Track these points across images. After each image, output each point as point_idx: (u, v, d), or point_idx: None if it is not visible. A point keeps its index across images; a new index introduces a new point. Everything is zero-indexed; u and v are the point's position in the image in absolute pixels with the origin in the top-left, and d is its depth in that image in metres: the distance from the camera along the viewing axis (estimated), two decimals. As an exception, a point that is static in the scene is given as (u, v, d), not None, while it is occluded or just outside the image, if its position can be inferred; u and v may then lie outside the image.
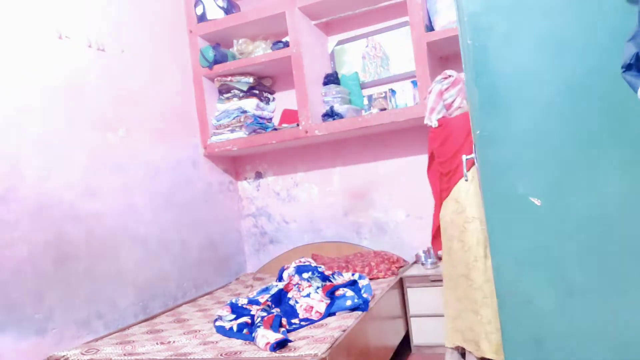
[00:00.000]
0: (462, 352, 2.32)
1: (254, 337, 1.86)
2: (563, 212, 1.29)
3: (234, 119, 3.15)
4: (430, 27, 2.72)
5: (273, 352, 1.72)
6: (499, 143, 1.35)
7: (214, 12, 3.18)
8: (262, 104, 3.31)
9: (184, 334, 2.13)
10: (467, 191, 2.16)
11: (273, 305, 2.18)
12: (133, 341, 2.08)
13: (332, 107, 2.91)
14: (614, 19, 1.21)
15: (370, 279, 2.70)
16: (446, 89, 2.24)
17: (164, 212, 2.81)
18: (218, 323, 2.16)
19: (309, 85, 2.94)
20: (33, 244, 2.05)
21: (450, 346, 2.27)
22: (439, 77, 2.29)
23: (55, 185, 2.18)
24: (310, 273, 2.43)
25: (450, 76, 2.26)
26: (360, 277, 2.46)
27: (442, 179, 2.29)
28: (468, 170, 2.12)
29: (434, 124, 2.26)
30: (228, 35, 3.23)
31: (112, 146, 2.51)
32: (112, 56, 2.59)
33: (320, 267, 2.53)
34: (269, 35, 3.26)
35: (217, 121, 3.21)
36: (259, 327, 1.89)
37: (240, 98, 3.24)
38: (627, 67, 1.06)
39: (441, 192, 2.31)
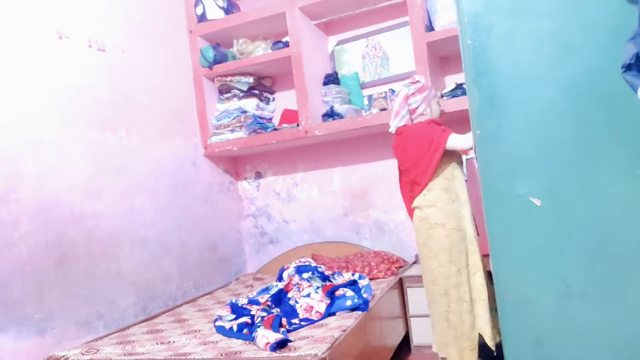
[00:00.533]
0: None
1: (254, 337, 1.86)
2: (563, 212, 1.29)
3: (234, 119, 3.15)
4: (430, 27, 2.72)
5: (273, 352, 1.72)
6: (499, 143, 1.35)
7: (214, 12, 3.18)
8: (262, 104, 3.31)
9: (184, 334, 2.13)
10: (427, 197, 2.16)
11: (273, 305, 2.19)
12: (133, 341, 2.08)
13: (332, 107, 2.91)
14: (614, 19, 1.21)
15: (370, 279, 2.70)
16: (412, 94, 2.22)
17: (164, 212, 2.81)
18: (218, 323, 2.16)
19: (309, 85, 2.94)
20: (33, 245, 2.05)
21: (436, 351, 2.27)
22: (407, 81, 2.28)
23: (55, 186, 2.18)
24: (310, 273, 2.43)
25: (417, 82, 2.25)
26: (360, 277, 2.47)
27: (410, 187, 2.29)
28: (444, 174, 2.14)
29: (392, 129, 2.26)
30: (228, 35, 3.23)
31: (112, 146, 2.51)
32: (112, 56, 2.59)
33: (320, 267, 2.53)
34: (269, 35, 3.26)
35: (217, 121, 3.21)
36: (259, 327, 1.89)
37: (240, 98, 3.24)
38: (627, 67, 1.06)
39: (408, 200, 2.31)
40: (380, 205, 3.21)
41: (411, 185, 2.24)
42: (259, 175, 3.57)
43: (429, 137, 2.14)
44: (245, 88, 3.23)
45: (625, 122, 1.22)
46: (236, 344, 1.91)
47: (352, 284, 2.38)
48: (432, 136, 2.13)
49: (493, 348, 2.12)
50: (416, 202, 2.21)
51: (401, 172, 2.33)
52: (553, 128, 1.29)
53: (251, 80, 3.22)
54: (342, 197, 3.32)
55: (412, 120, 2.24)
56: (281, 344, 1.75)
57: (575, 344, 1.30)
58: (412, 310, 2.68)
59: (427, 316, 2.60)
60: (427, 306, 2.26)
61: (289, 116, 3.26)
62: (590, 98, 1.25)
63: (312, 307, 2.18)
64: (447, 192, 2.14)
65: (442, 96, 2.66)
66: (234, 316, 2.18)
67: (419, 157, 2.16)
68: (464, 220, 2.14)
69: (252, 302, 2.26)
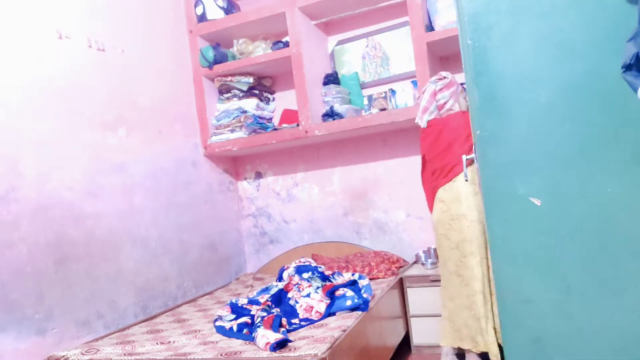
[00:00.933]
0: (459, 353, 2.32)
1: (254, 337, 1.86)
2: (563, 212, 1.29)
3: (234, 119, 3.16)
4: (430, 27, 2.72)
5: (273, 352, 1.72)
6: (499, 143, 1.35)
7: (214, 12, 3.18)
8: (262, 104, 3.31)
9: (184, 334, 2.13)
10: (450, 190, 2.17)
11: (273, 305, 2.18)
12: (133, 341, 2.08)
13: (332, 107, 2.91)
14: (614, 19, 1.21)
15: (370, 279, 2.70)
16: (440, 90, 2.25)
17: (164, 212, 2.81)
18: (218, 323, 2.16)
19: (309, 85, 2.94)
20: (33, 244, 2.05)
21: (446, 345, 2.27)
22: (433, 78, 2.31)
23: (55, 185, 2.18)
24: (310, 273, 2.43)
25: (445, 77, 2.28)
26: (360, 277, 2.46)
27: (431, 177, 2.30)
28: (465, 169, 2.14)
29: (424, 124, 2.27)
30: (228, 35, 3.23)
31: (112, 146, 2.51)
32: (112, 56, 2.59)
33: (320, 267, 2.53)
34: (269, 35, 3.26)
35: (217, 121, 3.21)
36: (259, 327, 1.89)
37: (240, 98, 3.24)
38: (627, 67, 1.06)
39: (432, 190, 2.32)
40: (380, 205, 3.21)
41: (442, 171, 2.23)
42: (259, 175, 3.57)
43: (456, 128, 2.16)
44: (245, 88, 3.23)
45: (625, 122, 1.22)
46: (236, 344, 1.91)
47: (352, 284, 2.38)
48: (460, 127, 2.15)
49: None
50: (440, 193, 2.21)
51: (426, 162, 2.33)
52: (553, 128, 1.29)
53: (251, 80, 3.22)
54: (342, 197, 3.32)
55: (440, 116, 2.26)
56: (281, 344, 1.75)
57: (575, 344, 1.30)
58: (412, 310, 2.68)
59: (428, 316, 2.62)
60: (447, 299, 2.25)
61: (289, 116, 3.26)
62: (590, 98, 1.25)
63: (312, 307, 2.18)
64: (471, 184, 2.14)
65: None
66: (234, 316, 2.18)
67: (452, 142, 2.17)
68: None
69: (252, 302, 2.26)
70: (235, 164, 3.62)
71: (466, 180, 2.15)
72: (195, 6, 3.21)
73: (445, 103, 2.24)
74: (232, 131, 3.15)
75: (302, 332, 1.97)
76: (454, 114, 2.24)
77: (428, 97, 2.27)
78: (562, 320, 1.31)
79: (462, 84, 2.65)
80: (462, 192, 2.15)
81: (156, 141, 2.83)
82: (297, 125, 2.98)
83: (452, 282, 2.20)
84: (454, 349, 2.31)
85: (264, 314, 2.03)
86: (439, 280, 2.51)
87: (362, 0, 2.94)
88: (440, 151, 2.22)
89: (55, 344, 2.07)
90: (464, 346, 2.20)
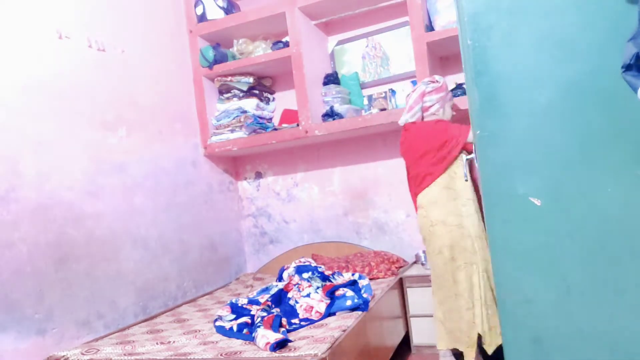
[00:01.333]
0: (456, 353, 2.32)
1: (254, 337, 1.86)
2: (563, 212, 1.29)
3: (234, 119, 3.15)
4: (430, 27, 2.72)
5: (273, 352, 1.72)
6: (499, 143, 1.35)
7: (214, 12, 3.18)
8: (262, 104, 3.31)
9: (184, 334, 2.13)
10: (428, 195, 2.19)
11: (273, 305, 2.18)
12: (133, 341, 2.08)
13: (332, 107, 2.91)
14: (614, 19, 1.21)
15: (370, 279, 2.70)
16: (429, 92, 2.26)
17: (164, 212, 2.81)
18: (218, 323, 2.16)
19: (309, 85, 2.94)
20: (33, 245, 2.05)
21: (443, 348, 2.28)
22: (426, 79, 2.33)
23: (55, 185, 2.18)
24: (310, 273, 2.43)
25: (437, 82, 2.29)
26: (360, 277, 2.47)
27: (411, 182, 2.32)
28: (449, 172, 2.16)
29: (401, 122, 2.30)
30: (228, 35, 3.23)
31: (112, 146, 2.51)
32: (112, 56, 2.59)
33: (320, 267, 2.53)
34: (269, 35, 3.26)
35: (217, 121, 3.21)
36: (259, 327, 1.89)
37: (240, 98, 3.24)
38: (627, 67, 1.06)
39: (414, 196, 2.33)
40: (380, 205, 3.21)
41: (415, 180, 2.25)
42: (259, 175, 3.57)
43: (443, 134, 2.16)
44: (245, 88, 3.23)
45: (625, 122, 1.22)
46: (236, 344, 1.91)
47: (352, 284, 2.38)
48: (448, 134, 2.16)
49: (488, 350, 2.13)
50: (419, 199, 2.23)
51: (406, 168, 2.35)
52: (553, 128, 1.29)
53: (251, 80, 3.22)
54: (342, 197, 3.32)
55: (422, 118, 2.28)
56: (281, 344, 1.75)
57: (575, 344, 1.30)
58: (412, 310, 2.68)
59: (428, 316, 2.62)
60: (439, 302, 2.26)
61: (289, 116, 3.26)
62: (590, 98, 1.25)
63: (312, 307, 2.18)
64: (447, 189, 2.15)
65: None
66: (234, 316, 2.18)
67: (424, 153, 2.18)
68: (466, 218, 2.15)
69: (252, 302, 2.26)
70: (235, 164, 3.62)
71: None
72: (195, 6, 3.21)
73: (430, 106, 2.26)
74: (232, 131, 3.15)
75: (302, 332, 1.98)
76: (429, 121, 2.25)
77: (416, 97, 2.28)
78: (562, 320, 1.30)
79: (461, 84, 2.66)
80: (439, 197, 2.17)
81: (156, 141, 2.83)
82: (297, 125, 2.98)
83: (443, 285, 2.21)
84: (452, 352, 2.31)
85: (264, 314, 2.03)
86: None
87: (362, 0, 2.94)
88: (415, 159, 2.25)
89: (55, 344, 2.07)
90: (461, 348, 2.20)
